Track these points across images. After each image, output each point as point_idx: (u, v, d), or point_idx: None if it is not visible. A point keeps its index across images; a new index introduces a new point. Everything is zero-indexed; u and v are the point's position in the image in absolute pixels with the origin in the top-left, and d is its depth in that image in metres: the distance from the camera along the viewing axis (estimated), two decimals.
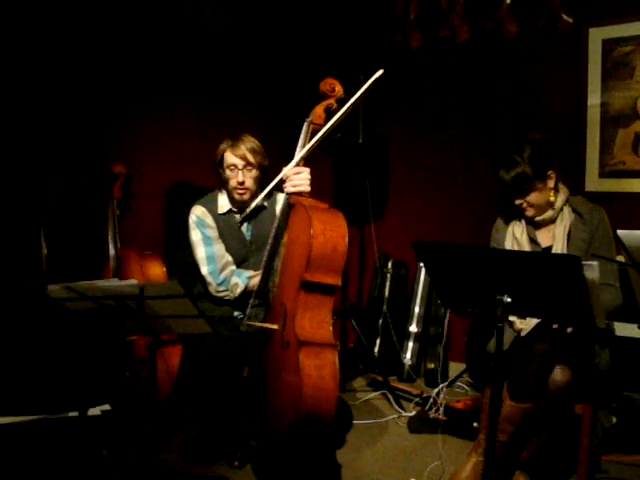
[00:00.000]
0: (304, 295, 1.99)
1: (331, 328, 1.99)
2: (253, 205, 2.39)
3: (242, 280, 2.38)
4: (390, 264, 3.61)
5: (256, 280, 2.33)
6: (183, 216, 2.54)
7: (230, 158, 2.35)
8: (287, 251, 2.15)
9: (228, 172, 2.39)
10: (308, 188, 2.17)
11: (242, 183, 2.38)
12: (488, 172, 3.10)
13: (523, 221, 2.24)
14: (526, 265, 1.60)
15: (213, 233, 2.45)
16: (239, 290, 2.37)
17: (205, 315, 1.82)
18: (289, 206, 2.15)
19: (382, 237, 3.66)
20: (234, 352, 2.20)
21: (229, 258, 2.44)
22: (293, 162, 2.18)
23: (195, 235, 2.44)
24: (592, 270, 1.51)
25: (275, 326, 2.08)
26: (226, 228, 2.42)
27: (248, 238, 2.48)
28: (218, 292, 2.41)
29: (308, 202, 2.09)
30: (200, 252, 2.43)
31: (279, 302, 2.12)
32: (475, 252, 1.68)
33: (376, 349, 3.53)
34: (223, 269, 2.42)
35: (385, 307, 3.53)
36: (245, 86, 3.53)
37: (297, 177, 2.16)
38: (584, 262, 1.50)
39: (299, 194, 2.16)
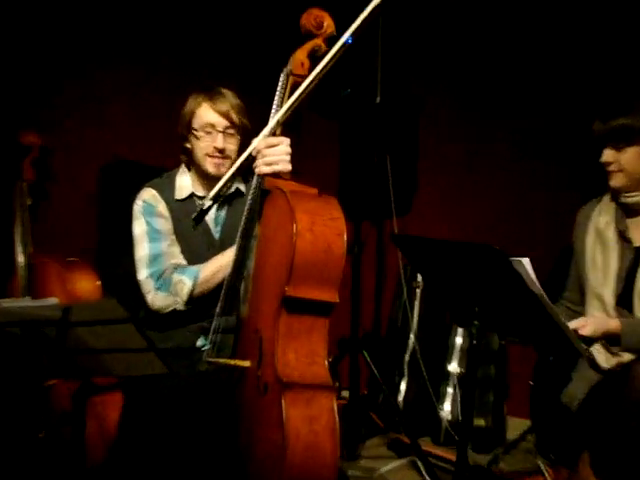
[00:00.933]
0: (287, 317, 1.99)
1: (327, 363, 2.00)
2: (218, 186, 2.36)
3: (188, 275, 2.37)
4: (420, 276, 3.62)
5: (210, 271, 2.32)
6: (125, 206, 2.56)
7: (207, 115, 2.39)
8: (260, 255, 2.17)
9: (202, 134, 2.40)
10: (288, 166, 2.17)
11: (222, 151, 2.40)
12: (558, 160, 3.26)
13: (612, 205, 2.26)
14: (456, 258, 1.89)
15: (164, 225, 2.45)
16: (186, 291, 2.35)
17: (157, 347, 1.84)
18: (262, 193, 2.18)
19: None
20: (197, 401, 2.22)
21: (182, 262, 2.43)
22: (265, 130, 2.20)
23: (139, 226, 2.44)
24: (522, 266, 1.79)
25: (246, 363, 2.10)
26: (186, 220, 2.43)
27: (217, 235, 2.49)
28: (155, 302, 2.38)
29: (289, 186, 2.11)
30: (141, 250, 2.43)
31: (252, 328, 2.13)
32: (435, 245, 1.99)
33: (400, 397, 3.56)
34: (166, 272, 2.40)
35: (413, 336, 3.56)
36: (208, 37, 3.67)
37: (272, 151, 2.17)
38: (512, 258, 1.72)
39: (276, 175, 2.17)
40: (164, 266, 2.40)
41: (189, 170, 2.51)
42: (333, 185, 3.57)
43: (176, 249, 2.44)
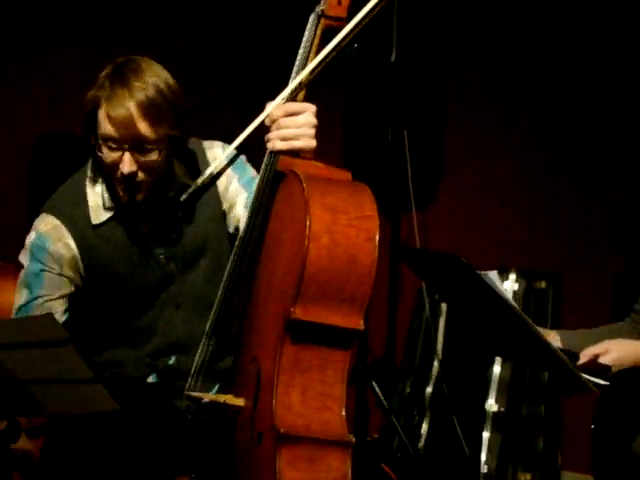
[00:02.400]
0: (292, 347, 1.93)
1: (343, 411, 1.95)
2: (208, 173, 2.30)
3: None
4: None
5: None
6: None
7: (106, 125, 2.17)
8: (265, 260, 2.15)
9: (103, 149, 2.23)
10: (311, 143, 2.11)
11: (130, 176, 2.21)
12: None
13: None
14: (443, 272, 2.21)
15: (67, 271, 2.34)
16: None
17: (103, 377, 1.88)
18: (276, 175, 2.13)
19: (432, 237, 3.63)
20: (161, 454, 2.23)
21: (60, 321, 2.34)
22: (284, 92, 2.13)
23: (24, 267, 2.35)
24: (489, 278, 1.99)
25: (239, 401, 2.08)
26: (111, 249, 2.34)
27: (162, 253, 2.39)
28: None
29: (309, 169, 2.06)
30: (17, 295, 2.35)
31: (249, 356, 2.12)
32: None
33: (421, 442, 3.54)
34: None
35: (437, 364, 3.50)
36: None
37: (291, 122, 2.09)
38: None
39: (294, 154, 2.10)
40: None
41: (103, 177, 2.34)
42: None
43: (56, 304, 2.36)
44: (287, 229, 2.03)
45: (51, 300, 2.32)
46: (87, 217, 2.30)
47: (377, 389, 3.24)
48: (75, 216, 2.30)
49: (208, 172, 2.36)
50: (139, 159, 2.18)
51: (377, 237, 1.93)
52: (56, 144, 3.40)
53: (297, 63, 2.13)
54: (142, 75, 2.17)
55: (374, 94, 3.48)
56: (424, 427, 3.54)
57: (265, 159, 2.14)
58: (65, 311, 2.36)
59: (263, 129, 2.15)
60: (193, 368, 2.24)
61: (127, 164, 2.17)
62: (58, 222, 2.29)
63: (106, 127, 2.16)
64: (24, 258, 2.34)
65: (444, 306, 3.62)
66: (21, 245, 2.94)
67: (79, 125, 3.18)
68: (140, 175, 2.20)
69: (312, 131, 2.09)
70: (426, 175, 3.61)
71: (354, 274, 1.91)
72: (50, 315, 1.84)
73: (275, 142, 2.10)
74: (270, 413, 1.90)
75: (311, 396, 1.92)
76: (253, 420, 1.99)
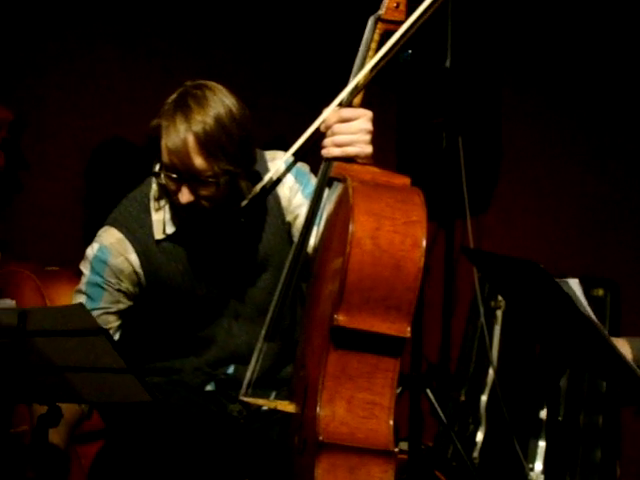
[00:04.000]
0: (337, 354, 1.90)
1: (392, 420, 1.90)
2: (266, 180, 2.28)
3: None
4: None
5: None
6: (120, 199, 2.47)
7: (165, 154, 2.16)
8: (318, 266, 2.16)
9: (164, 177, 2.22)
10: (366, 149, 2.08)
11: (189, 206, 2.21)
12: None
13: None
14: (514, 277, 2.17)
15: (126, 285, 2.35)
16: None
17: (138, 369, 1.87)
18: (330, 182, 2.13)
19: (486, 244, 3.66)
20: (208, 456, 2.23)
21: (114, 337, 2.36)
22: (340, 97, 2.10)
23: (83, 274, 2.36)
24: (569, 287, 1.95)
25: (290, 407, 2.08)
26: (173, 263, 2.34)
27: (224, 267, 2.39)
28: None
29: (363, 174, 2.04)
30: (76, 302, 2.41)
31: (299, 362, 2.15)
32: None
33: (476, 450, 3.51)
34: None
35: (493, 372, 3.47)
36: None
37: (345, 128, 2.06)
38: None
39: (349, 159, 2.07)
40: None
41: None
42: None
43: (111, 318, 2.37)
44: (337, 235, 2.01)
45: (107, 313, 2.33)
46: (150, 232, 2.31)
47: (431, 396, 3.20)
48: (138, 230, 2.31)
49: (267, 178, 2.33)
50: (197, 190, 2.16)
51: (424, 243, 1.90)
52: (116, 152, 3.42)
53: (355, 67, 2.11)
54: (205, 105, 2.13)
55: (428, 100, 3.45)
56: (479, 435, 3.50)
57: (321, 166, 2.13)
58: (119, 327, 2.37)
59: (319, 135, 2.13)
60: (248, 374, 2.22)
61: (184, 196, 2.17)
62: (122, 236, 2.30)
63: (165, 157, 2.15)
64: (85, 268, 2.34)
65: (500, 313, 3.57)
66: (78, 252, 2.99)
67: (140, 134, 3.28)
68: (199, 205, 2.19)
69: (367, 137, 2.06)
70: (481, 181, 3.58)
71: (399, 281, 1.88)
72: (81, 305, 1.87)
73: (330, 149, 2.08)
74: (314, 420, 1.89)
75: (357, 404, 1.89)
76: (300, 427, 1.98)
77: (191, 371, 2.39)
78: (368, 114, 2.07)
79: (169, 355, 2.40)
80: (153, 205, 2.31)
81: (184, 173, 2.13)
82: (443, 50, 3.30)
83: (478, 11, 3.58)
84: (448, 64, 3.28)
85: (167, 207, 2.30)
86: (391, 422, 1.89)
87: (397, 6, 2.05)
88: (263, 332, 2.22)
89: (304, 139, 2.20)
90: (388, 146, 3.71)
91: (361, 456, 1.86)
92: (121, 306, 2.33)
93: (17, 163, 3.03)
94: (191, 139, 2.09)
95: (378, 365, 1.89)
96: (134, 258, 2.29)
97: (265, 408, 2.20)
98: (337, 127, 2.06)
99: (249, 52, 3.66)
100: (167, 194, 2.25)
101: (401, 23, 2.06)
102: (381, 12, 2.07)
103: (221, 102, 2.15)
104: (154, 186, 2.32)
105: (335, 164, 2.08)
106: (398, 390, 3.32)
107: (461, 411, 3.56)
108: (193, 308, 2.36)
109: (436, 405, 3.21)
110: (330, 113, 2.08)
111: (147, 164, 2.36)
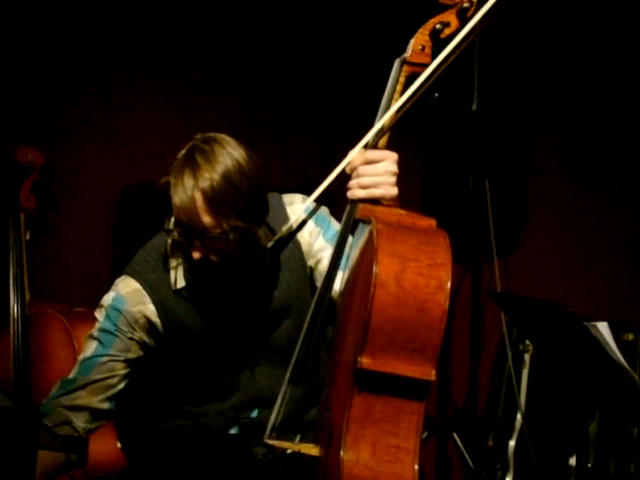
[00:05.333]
0: (361, 397, 1.87)
1: (417, 465, 1.86)
2: (289, 224, 2.27)
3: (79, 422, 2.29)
4: None
5: None
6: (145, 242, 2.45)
7: (176, 210, 2.14)
8: (343, 308, 2.14)
9: (176, 232, 2.20)
10: (392, 191, 2.06)
11: (203, 260, 2.21)
12: None
13: None
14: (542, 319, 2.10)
15: (139, 335, 2.34)
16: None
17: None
18: (355, 224, 2.11)
19: (514, 286, 3.61)
20: None
21: (117, 385, 2.34)
22: (365, 139, 2.09)
23: (98, 322, 2.34)
24: (598, 330, 1.90)
25: (314, 451, 2.05)
26: (192, 313, 2.32)
27: (244, 315, 2.37)
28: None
29: (387, 216, 2.03)
30: (87, 346, 2.35)
31: (324, 404, 2.11)
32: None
33: None
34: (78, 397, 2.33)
35: (521, 417, 3.43)
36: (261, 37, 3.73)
37: (371, 170, 2.05)
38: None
39: (375, 202, 2.05)
40: (88, 378, 2.32)
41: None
42: None
43: (118, 366, 2.34)
44: (362, 278, 1.99)
45: (115, 361, 2.30)
46: (168, 282, 2.29)
47: (459, 441, 3.23)
48: (156, 281, 2.29)
49: (288, 226, 2.32)
50: (207, 245, 2.14)
51: (449, 285, 1.88)
52: (144, 195, 3.39)
53: (380, 109, 2.10)
54: (212, 161, 2.11)
55: (455, 143, 3.46)
56: None
57: (347, 208, 2.11)
58: (126, 376, 2.34)
59: (345, 177, 2.13)
60: (273, 417, 2.21)
61: (195, 251, 2.15)
62: (139, 286, 2.29)
63: (176, 213, 2.12)
64: (99, 314, 2.32)
65: (527, 357, 3.51)
66: (100, 295, 3.06)
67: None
68: (212, 258, 2.17)
69: (392, 179, 2.05)
70: (508, 224, 3.57)
71: (423, 323, 1.87)
72: None
73: (355, 190, 2.06)
74: (337, 464, 1.85)
75: (382, 448, 1.87)
76: (324, 470, 1.95)
77: (215, 415, 2.37)
78: (394, 156, 2.06)
79: (193, 399, 2.39)
80: (171, 254, 2.30)
81: (193, 230, 2.11)
82: (470, 93, 3.32)
83: (505, 55, 3.58)
84: (475, 107, 3.30)
85: (182, 258, 2.29)
86: (416, 467, 1.87)
87: (423, 49, 2.05)
88: (287, 375, 2.19)
89: (329, 181, 2.19)
90: (415, 189, 3.70)
91: None
92: (130, 355, 2.31)
93: (48, 206, 3.05)
94: (198, 196, 2.07)
95: (403, 408, 1.87)
96: (151, 308, 2.28)
97: (289, 451, 2.16)
98: (362, 169, 2.04)
99: (275, 96, 3.69)
100: (181, 248, 2.24)
101: (427, 66, 2.06)
102: (407, 55, 2.07)
103: (229, 156, 2.12)
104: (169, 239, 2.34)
105: (360, 206, 2.06)
106: (424, 435, 3.34)
107: (489, 457, 3.50)
108: (214, 355, 2.35)
109: (463, 450, 3.23)
110: (356, 155, 2.07)
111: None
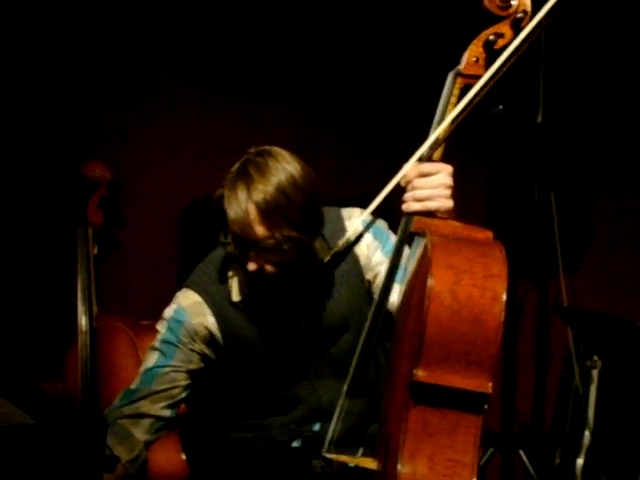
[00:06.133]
0: (417, 410, 1.86)
1: (474, 478, 1.85)
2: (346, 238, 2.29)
3: (133, 449, 2.31)
4: None
5: None
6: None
7: (231, 223, 2.17)
8: (399, 321, 2.14)
9: (232, 245, 2.23)
10: (447, 203, 2.06)
11: (257, 272, 2.22)
12: None
13: None
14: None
15: (199, 346, 2.36)
16: (122, 455, 2.26)
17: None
18: (410, 237, 2.11)
19: (581, 301, 3.54)
20: None
21: (179, 395, 2.37)
22: (420, 151, 2.10)
23: (159, 330, 2.38)
24: None
25: (372, 464, 2.06)
26: (251, 325, 2.34)
27: (303, 329, 2.38)
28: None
29: (443, 229, 2.03)
30: (149, 357, 2.38)
31: (382, 417, 2.11)
32: None
33: None
34: (141, 407, 2.34)
35: (589, 434, 3.40)
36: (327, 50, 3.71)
37: (425, 183, 2.05)
38: None
39: (431, 214, 2.06)
40: (151, 389, 2.35)
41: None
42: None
43: (180, 376, 2.36)
44: (417, 290, 1.98)
45: (176, 372, 2.33)
46: (227, 294, 2.30)
47: (524, 458, 3.19)
48: (216, 293, 2.31)
49: (345, 240, 2.33)
50: (263, 257, 2.15)
51: (504, 297, 1.85)
52: (209, 209, 3.42)
53: (434, 121, 2.10)
54: (266, 173, 2.13)
55: (520, 155, 3.44)
56: None
57: (402, 220, 2.12)
58: (188, 387, 2.36)
59: (400, 190, 2.12)
60: (331, 430, 2.21)
61: (250, 263, 2.16)
62: (199, 299, 2.31)
63: (231, 226, 2.14)
64: (161, 327, 2.36)
65: (595, 373, 3.44)
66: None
67: None
68: (268, 269, 2.18)
69: (447, 192, 2.05)
70: (574, 238, 3.54)
71: (479, 335, 1.85)
72: None
73: (410, 203, 2.06)
74: (395, 477, 1.85)
75: (439, 462, 1.85)
76: None
77: (278, 428, 2.37)
78: (448, 168, 2.05)
79: (256, 412, 2.40)
80: (230, 267, 2.32)
81: (248, 242, 2.12)
82: (535, 105, 3.30)
83: (570, 65, 3.56)
84: (540, 119, 3.29)
85: (244, 269, 2.28)
86: (474, 478, 1.86)
87: (477, 60, 2.05)
88: (345, 388, 2.20)
89: (384, 195, 2.20)
90: (479, 201, 3.68)
91: None
92: (192, 366, 2.33)
93: (114, 220, 3.08)
94: (252, 208, 2.09)
95: (460, 422, 1.86)
96: (211, 320, 2.31)
97: (349, 465, 2.16)
98: (417, 182, 2.04)
99: (332, 110, 3.70)
100: (237, 260, 2.25)
101: (480, 77, 2.05)
102: (460, 67, 2.06)
103: (283, 169, 2.14)
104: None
105: (416, 219, 2.06)
106: (490, 451, 3.32)
107: (556, 474, 3.47)
108: (274, 368, 2.35)
109: (530, 467, 3.18)
110: (410, 168, 2.08)
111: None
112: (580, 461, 3.40)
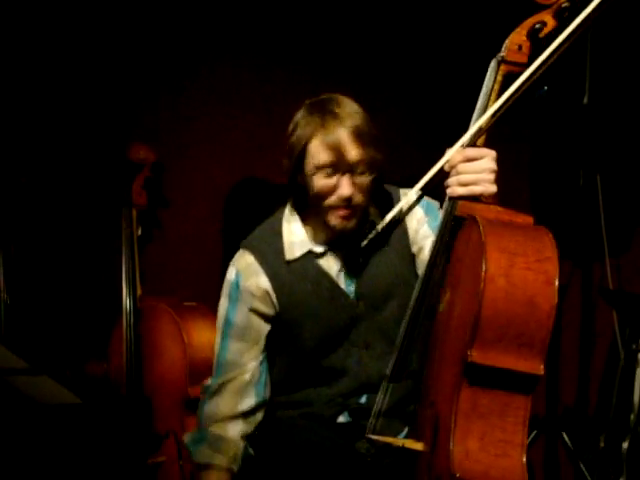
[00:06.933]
0: (470, 391, 1.90)
1: (525, 458, 1.89)
2: (393, 213, 2.33)
3: (234, 446, 2.42)
4: None
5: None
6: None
7: (323, 154, 2.27)
8: (446, 305, 2.14)
9: (318, 179, 2.30)
10: (491, 188, 2.09)
11: (349, 199, 2.28)
12: None
13: None
14: None
15: (247, 317, 2.44)
16: (222, 463, 2.39)
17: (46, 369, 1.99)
18: (455, 221, 2.12)
19: (627, 284, 3.52)
20: None
21: (255, 375, 2.45)
22: (463, 138, 2.13)
23: (220, 308, 2.47)
24: None
25: (418, 445, 2.07)
26: (303, 284, 2.40)
27: (351, 294, 2.42)
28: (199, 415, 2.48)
29: (489, 213, 2.06)
30: (215, 345, 2.48)
31: (428, 400, 2.11)
32: None
33: None
34: (225, 390, 2.44)
35: (634, 418, 3.30)
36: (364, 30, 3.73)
37: (470, 167, 2.09)
38: None
39: (475, 199, 2.09)
40: (222, 379, 2.44)
41: (300, 216, 2.44)
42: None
43: (253, 352, 2.44)
44: (466, 272, 2.02)
45: (246, 350, 2.41)
46: (281, 253, 2.37)
47: (569, 442, 3.19)
48: (269, 253, 2.38)
49: (398, 210, 2.39)
50: (354, 181, 2.25)
51: (557, 281, 1.91)
52: (252, 191, 3.46)
53: (477, 108, 2.12)
54: (343, 105, 2.27)
55: (564, 138, 3.43)
56: None
57: (445, 204, 2.14)
58: (263, 350, 2.43)
59: (443, 175, 2.15)
60: (375, 409, 2.23)
61: (346, 186, 2.25)
62: (253, 259, 2.38)
63: (322, 156, 2.24)
64: (221, 303, 2.45)
65: None
66: (215, 288, 3.14)
67: (274, 174, 3.37)
68: (355, 198, 2.27)
69: (492, 176, 2.08)
70: (621, 221, 3.51)
71: (532, 318, 1.89)
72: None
73: (454, 188, 2.09)
74: (447, 458, 1.88)
75: (490, 442, 1.89)
76: (431, 465, 1.96)
77: (325, 402, 2.41)
78: (492, 153, 2.08)
79: (302, 386, 2.43)
80: (285, 228, 2.39)
81: (344, 164, 2.24)
82: (581, 86, 3.28)
83: (617, 45, 3.50)
84: (586, 100, 3.27)
85: (299, 229, 2.39)
86: (524, 460, 1.88)
87: (520, 48, 2.07)
88: (388, 370, 2.23)
89: (428, 177, 2.24)
90: (523, 183, 3.68)
91: None
92: (256, 336, 2.41)
93: (158, 202, 3.12)
94: (345, 133, 2.23)
95: (510, 403, 1.90)
96: (264, 279, 2.37)
97: (394, 446, 2.15)
98: (462, 166, 2.08)
99: (377, 97, 3.63)
100: (318, 202, 2.31)
101: (524, 65, 2.07)
102: (503, 54, 2.08)
103: (353, 104, 2.30)
104: (286, 212, 2.41)
105: (460, 203, 2.09)
106: (533, 433, 3.32)
107: (600, 458, 3.42)
108: (322, 334, 2.39)
109: (573, 451, 3.18)
110: (454, 153, 2.11)
111: (278, 200, 2.49)
112: (625, 445, 3.34)
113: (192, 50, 3.39)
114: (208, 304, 2.93)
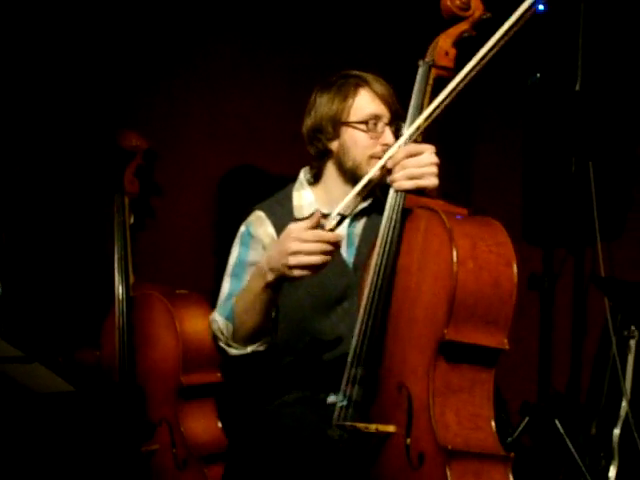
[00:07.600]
0: (445, 368, 1.99)
1: (494, 428, 1.99)
2: (343, 204, 2.29)
3: (220, 313, 2.45)
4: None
5: (242, 306, 2.37)
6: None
7: (371, 104, 2.44)
8: (401, 291, 2.18)
9: (362, 132, 2.43)
10: (435, 181, 2.18)
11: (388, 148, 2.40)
12: None
13: None
14: None
15: (257, 257, 2.48)
16: (216, 328, 2.44)
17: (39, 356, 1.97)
18: (401, 213, 2.18)
19: (618, 271, 3.53)
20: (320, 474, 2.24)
21: None
22: (404, 137, 2.21)
23: (230, 257, 2.53)
24: None
25: (390, 428, 2.07)
26: None
27: (350, 259, 2.50)
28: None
29: (439, 206, 2.12)
30: (223, 285, 2.50)
31: (393, 383, 2.12)
32: None
33: None
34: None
35: (626, 404, 3.32)
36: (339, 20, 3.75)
37: (414, 162, 2.17)
38: None
39: (419, 192, 2.16)
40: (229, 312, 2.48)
41: (310, 184, 2.53)
42: (515, 201, 3.56)
43: None
44: (426, 259, 2.08)
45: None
46: (291, 213, 2.48)
47: (560, 428, 3.19)
48: (279, 210, 2.49)
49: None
50: (392, 133, 2.40)
51: (515, 262, 2.02)
52: (245, 179, 3.46)
53: (411, 110, 2.21)
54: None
55: (557, 125, 3.41)
56: (612, 471, 3.27)
57: (391, 198, 2.19)
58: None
59: (383, 173, 2.22)
60: (340, 396, 2.21)
61: (390, 135, 2.39)
62: (262, 214, 2.49)
63: (373, 106, 2.41)
64: (232, 252, 2.52)
65: (633, 343, 3.36)
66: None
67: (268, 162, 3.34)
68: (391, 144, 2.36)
69: (435, 169, 2.16)
70: (612, 207, 3.51)
71: (497, 297, 2.00)
72: None
73: (401, 182, 2.15)
74: (431, 434, 1.95)
75: (464, 416, 1.98)
76: (409, 445, 2.01)
77: (314, 383, 2.42)
78: (432, 148, 2.16)
79: (297, 352, 2.46)
80: (295, 194, 2.50)
81: (391, 114, 2.42)
82: (573, 73, 3.28)
83: (609, 31, 3.50)
84: (578, 87, 3.28)
85: (308, 195, 2.48)
86: (494, 429, 1.98)
87: (446, 54, 2.20)
88: (350, 358, 2.22)
89: (370, 175, 2.26)
90: (516, 171, 3.67)
91: (483, 461, 1.94)
92: None
93: (150, 189, 3.10)
94: (386, 88, 2.42)
95: (477, 378, 2.00)
96: (271, 230, 2.46)
97: (365, 430, 2.14)
98: (407, 161, 2.14)
99: None
100: (356, 157, 2.40)
101: (451, 70, 2.18)
102: (433, 59, 2.20)
103: None
104: (297, 183, 2.51)
105: (407, 197, 2.16)
106: (525, 420, 3.34)
107: (592, 444, 3.45)
108: (319, 295, 2.44)
109: (565, 437, 3.18)
110: (397, 150, 2.17)
111: (276, 188, 2.56)
112: (617, 431, 3.34)
113: (185, 36, 3.39)
114: (201, 292, 2.95)
